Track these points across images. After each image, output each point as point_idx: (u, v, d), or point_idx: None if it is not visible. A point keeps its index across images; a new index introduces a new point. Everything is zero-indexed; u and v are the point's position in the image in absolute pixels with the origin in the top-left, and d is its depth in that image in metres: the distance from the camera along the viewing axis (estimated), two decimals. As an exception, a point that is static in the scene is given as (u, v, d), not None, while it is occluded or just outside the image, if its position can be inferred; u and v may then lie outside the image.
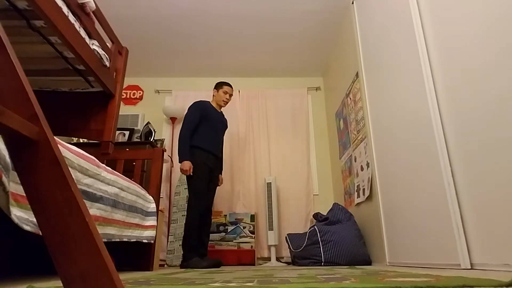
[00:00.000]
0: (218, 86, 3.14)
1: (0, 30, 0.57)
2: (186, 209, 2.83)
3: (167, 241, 3.40)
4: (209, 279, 1.14)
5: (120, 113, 2.45)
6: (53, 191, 0.53)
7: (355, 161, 3.03)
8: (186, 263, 2.60)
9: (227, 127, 3.21)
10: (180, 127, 2.87)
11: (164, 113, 4.00)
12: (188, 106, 2.99)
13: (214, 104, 3.10)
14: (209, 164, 2.88)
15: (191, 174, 2.74)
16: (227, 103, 3.13)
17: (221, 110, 3.16)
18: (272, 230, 3.25)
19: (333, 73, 3.85)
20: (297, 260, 2.85)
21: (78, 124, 1.94)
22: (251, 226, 3.43)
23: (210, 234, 3.35)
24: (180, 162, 2.76)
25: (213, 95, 3.15)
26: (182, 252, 2.69)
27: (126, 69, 2.20)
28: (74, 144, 2.27)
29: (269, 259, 3.39)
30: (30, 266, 1.99)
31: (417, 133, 1.86)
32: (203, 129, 2.91)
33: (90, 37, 1.71)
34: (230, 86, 3.16)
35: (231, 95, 3.15)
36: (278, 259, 3.41)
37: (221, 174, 3.15)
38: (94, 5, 1.70)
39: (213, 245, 3.31)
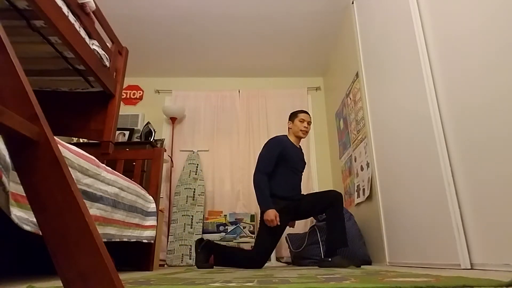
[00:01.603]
0: (293, 116, 2.67)
1: (0, 30, 0.57)
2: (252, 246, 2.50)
3: (167, 241, 3.40)
4: (209, 279, 1.14)
5: (120, 113, 2.45)
6: (53, 191, 0.53)
7: (355, 161, 3.03)
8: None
9: (305, 164, 2.74)
10: (255, 168, 2.48)
11: (164, 113, 4.00)
12: (266, 142, 2.57)
13: (292, 138, 2.64)
14: (287, 212, 2.44)
15: (278, 224, 2.31)
16: (307, 132, 2.64)
17: (299, 146, 2.69)
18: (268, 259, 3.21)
19: (333, 73, 3.85)
20: (297, 260, 2.85)
21: (78, 124, 1.94)
22: (251, 226, 3.43)
23: (210, 234, 3.36)
24: (262, 211, 2.34)
25: (288, 128, 2.69)
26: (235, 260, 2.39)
27: (126, 69, 2.20)
28: (74, 144, 2.27)
29: (269, 259, 3.39)
30: (30, 266, 1.99)
31: (417, 133, 1.86)
32: (283, 170, 2.49)
33: (90, 37, 1.71)
34: (307, 113, 2.67)
35: (309, 123, 2.64)
36: (278, 259, 3.41)
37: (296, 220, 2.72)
38: (94, 5, 1.70)
39: (213, 245, 3.31)
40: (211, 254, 2.45)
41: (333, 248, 2.27)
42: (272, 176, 2.46)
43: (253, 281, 1.04)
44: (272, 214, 2.29)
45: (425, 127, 1.76)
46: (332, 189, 2.55)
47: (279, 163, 2.48)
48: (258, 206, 2.39)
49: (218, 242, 2.62)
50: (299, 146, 2.68)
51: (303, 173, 2.68)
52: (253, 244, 3.32)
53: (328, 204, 2.36)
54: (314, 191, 2.55)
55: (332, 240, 2.29)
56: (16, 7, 1.31)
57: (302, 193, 2.64)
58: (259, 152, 2.55)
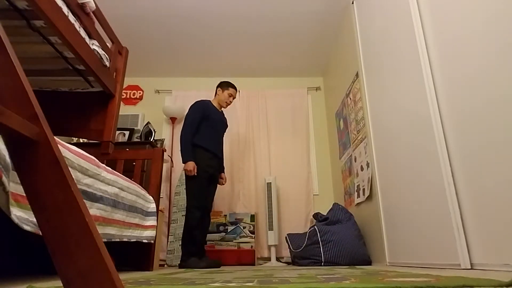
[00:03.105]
0: (224, 86, 3.09)
1: (0, 30, 0.57)
2: (185, 209, 2.81)
3: (167, 241, 3.40)
4: (209, 279, 1.14)
5: (120, 113, 2.45)
6: (53, 191, 0.53)
7: (355, 161, 3.03)
8: (184, 263, 2.61)
9: (227, 127, 3.17)
10: (181, 127, 2.86)
11: (164, 113, 4.00)
12: (190, 106, 2.97)
13: (215, 103, 3.07)
14: (211, 164, 2.86)
15: (195, 174, 2.72)
16: (228, 105, 3.10)
17: (221, 110, 3.13)
18: (272, 230, 3.25)
19: (333, 73, 3.85)
20: (297, 260, 2.85)
21: (78, 124, 1.94)
22: (251, 226, 3.43)
23: (210, 234, 3.36)
24: (183, 162, 2.73)
25: (216, 93, 3.11)
26: (181, 252, 2.71)
27: (126, 69, 2.20)
28: (74, 144, 2.27)
29: (269, 259, 3.39)
30: (30, 266, 1.99)
31: (417, 133, 1.86)
32: (204, 129, 2.88)
33: (90, 37, 1.71)
34: (236, 89, 3.12)
35: (234, 98, 3.13)
36: (278, 259, 3.41)
37: (223, 172, 3.13)
38: (94, 5, 1.70)
39: (213, 245, 3.31)
40: (199, 253, 2.70)
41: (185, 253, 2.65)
42: (198, 133, 2.85)
43: (253, 281, 1.04)
44: (191, 165, 2.70)
45: (425, 127, 1.76)
46: (205, 200, 2.84)
47: (204, 122, 2.88)
48: (181, 158, 2.75)
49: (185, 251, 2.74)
50: (221, 111, 3.11)
51: (224, 135, 3.10)
52: (253, 244, 3.33)
53: (191, 209, 2.75)
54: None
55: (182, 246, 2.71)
56: (16, 7, 1.31)
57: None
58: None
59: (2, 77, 0.56)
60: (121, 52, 2.14)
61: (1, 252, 1.79)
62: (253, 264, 3.26)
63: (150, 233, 2.17)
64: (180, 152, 2.77)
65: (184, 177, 3.66)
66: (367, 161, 2.70)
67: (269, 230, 3.27)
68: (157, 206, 2.35)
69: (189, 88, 4.31)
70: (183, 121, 2.90)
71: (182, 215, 3.46)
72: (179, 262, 2.73)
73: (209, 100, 3.05)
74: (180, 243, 3.31)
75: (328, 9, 3.21)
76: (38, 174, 0.54)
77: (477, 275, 1.03)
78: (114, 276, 0.50)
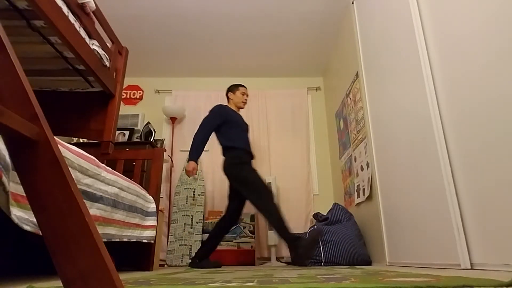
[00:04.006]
0: (234, 88, 3.01)
1: (0, 30, 0.57)
2: (260, 209, 2.48)
3: (167, 241, 3.40)
4: (209, 279, 1.14)
5: (120, 113, 2.46)
6: (53, 191, 0.53)
7: (355, 161, 3.03)
8: (297, 255, 2.35)
9: (248, 127, 3.01)
10: (198, 127, 2.72)
11: (164, 113, 4.00)
12: (211, 109, 2.83)
13: (233, 107, 2.97)
14: (247, 160, 2.74)
15: (195, 175, 2.64)
16: (245, 103, 3.01)
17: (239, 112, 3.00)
18: (272, 230, 3.25)
19: (333, 73, 3.85)
20: (297, 260, 2.85)
21: (78, 124, 1.94)
22: (251, 226, 3.43)
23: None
24: (188, 161, 2.64)
25: (229, 99, 3.01)
26: (288, 245, 2.38)
27: (126, 69, 2.20)
28: (74, 144, 2.27)
29: (269, 259, 3.39)
30: (30, 266, 1.99)
31: (417, 133, 1.86)
32: (231, 130, 2.76)
33: (90, 37, 1.71)
34: (245, 87, 3.06)
35: (247, 96, 3.04)
36: (278, 259, 3.41)
37: None
38: (94, 5, 1.70)
39: (213, 245, 3.31)
40: (207, 256, 2.66)
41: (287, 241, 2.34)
42: (227, 134, 2.75)
43: (253, 281, 1.04)
44: (191, 166, 2.61)
45: (425, 127, 1.76)
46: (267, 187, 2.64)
47: (227, 124, 2.77)
48: (188, 157, 2.66)
49: (200, 248, 2.72)
50: (239, 113, 2.96)
51: (248, 133, 2.93)
52: (253, 244, 3.33)
53: (259, 200, 2.50)
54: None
55: (280, 231, 2.36)
56: (16, 7, 1.31)
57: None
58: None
59: (2, 77, 0.56)
60: (121, 52, 2.14)
61: (1, 252, 1.79)
62: (253, 264, 3.26)
63: (150, 233, 2.17)
64: (189, 151, 2.67)
65: (184, 178, 3.68)
66: (367, 161, 2.70)
67: (269, 230, 3.27)
68: (157, 206, 2.34)
69: (189, 88, 4.31)
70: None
71: (182, 215, 3.47)
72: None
73: (226, 105, 2.95)
74: (182, 243, 3.32)
75: (328, 9, 3.21)
76: (38, 174, 0.54)
77: (477, 275, 1.03)
78: (114, 276, 0.50)
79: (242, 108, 3.00)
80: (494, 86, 1.30)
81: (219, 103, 2.92)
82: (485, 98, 1.35)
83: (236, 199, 2.76)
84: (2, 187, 0.85)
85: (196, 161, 2.65)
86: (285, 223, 2.38)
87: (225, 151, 2.74)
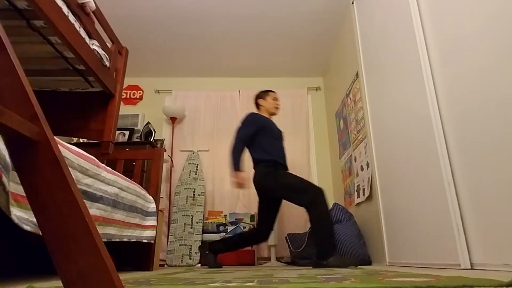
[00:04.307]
0: (264, 94, 2.83)
1: (0, 30, 0.57)
2: (308, 210, 2.29)
3: (167, 241, 3.40)
4: (209, 279, 1.14)
5: (120, 113, 2.46)
6: (53, 191, 0.53)
7: (355, 161, 3.03)
8: (324, 262, 2.14)
9: (283, 134, 2.82)
10: (233, 140, 2.56)
11: (164, 113, 4.00)
12: (243, 118, 2.67)
13: (265, 114, 2.79)
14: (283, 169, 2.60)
15: (244, 188, 2.43)
16: (278, 109, 2.84)
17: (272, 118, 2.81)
18: (272, 230, 3.25)
19: (333, 73, 3.85)
20: (297, 260, 2.85)
21: (78, 124, 1.94)
22: (251, 226, 3.43)
23: (210, 234, 3.36)
24: (233, 171, 2.45)
25: (259, 106, 2.82)
26: (319, 249, 2.20)
27: (126, 69, 2.20)
28: (74, 144, 2.27)
29: (269, 259, 3.39)
30: (30, 266, 1.99)
31: (417, 133, 1.86)
32: (264, 140, 2.59)
33: (90, 37, 1.71)
34: (275, 92, 2.88)
35: (278, 100, 2.86)
36: (278, 259, 3.41)
37: None
38: (94, 5, 1.70)
39: (213, 245, 3.31)
40: (217, 253, 2.59)
41: (329, 250, 2.16)
42: (261, 145, 2.58)
43: (253, 281, 1.04)
44: (242, 176, 2.43)
45: (425, 127, 1.76)
46: (314, 184, 2.45)
47: (262, 133, 2.60)
48: (230, 169, 2.51)
49: (218, 240, 2.68)
50: (272, 120, 2.78)
51: (283, 142, 2.76)
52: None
53: (310, 201, 2.27)
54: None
55: (325, 242, 2.18)
56: (16, 7, 1.31)
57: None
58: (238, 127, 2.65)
59: (2, 77, 0.56)
60: (121, 52, 2.14)
61: (1, 252, 1.79)
62: (253, 264, 3.26)
63: (150, 233, 2.17)
64: (230, 163, 2.51)
65: (184, 178, 3.68)
66: (367, 161, 2.70)
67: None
68: (157, 206, 2.35)
69: (189, 88, 4.31)
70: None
71: (182, 215, 3.47)
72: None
73: (257, 113, 2.77)
74: (181, 243, 3.32)
75: (328, 9, 3.21)
76: (38, 174, 0.54)
77: (477, 275, 1.03)
78: (114, 276, 0.50)
79: (275, 114, 2.82)
80: (494, 86, 1.30)
81: (251, 111, 2.73)
82: (485, 98, 1.35)
83: (267, 211, 2.58)
84: (2, 187, 0.85)
85: (241, 170, 2.46)
86: (332, 237, 2.20)
87: (256, 163, 2.58)
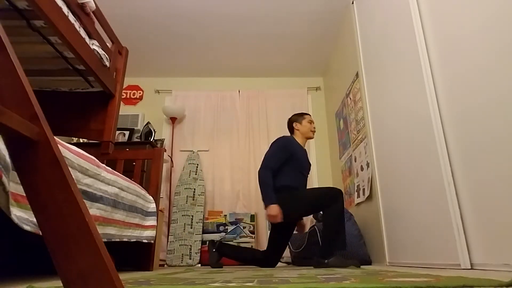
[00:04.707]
0: (299, 118, 2.64)
1: (0, 30, 0.57)
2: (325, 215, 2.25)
3: (167, 241, 3.40)
4: (209, 279, 1.14)
5: (120, 113, 2.45)
6: (53, 191, 0.53)
7: (355, 161, 3.03)
8: (327, 263, 2.13)
9: (310, 166, 2.68)
10: (262, 164, 2.40)
11: (164, 113, 4.00)
12: (274, 141, 2.51)
13: (299, 140, 2.59)
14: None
15: (282, 220, 2.28)
16: (314, 132, 2.65)
17: (305, 147, 2.65)
18: (281, 257, 3.22)
19: (333, 73, 3.85)
20: (297, 260, 2.85)
21: (78, 124, 1.94)
22: (251, 226, 3.43)
23: (210, 234, 3.37)
24: (266, 205, 2.29)
25: (294, 130, 2.63)
26: (323, 249, 2.19)
27: (126, 69, 2.20)
28: (74, 144, 2.27)
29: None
30: (30, 266, 1.99)
31: (417, 133, 1.86)
32: (291, 172, 2.45)
33: (90, 37, 1.71)
34: (310, 114, 2.72)
35: (314, 122, 2.69)
36: (278, 259, 3.40)
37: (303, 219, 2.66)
38: (94, 5, 1.70)
39: (213, 245, 3.31)
40: (223, 256, 2.54)
41: (331, 249, 2.17)
42: (284, 173, 2.43)
43: (253, 281, 1.04)
44: (275, 209, 2.24)
45: (425, 127, 1.76)
46: (332, 186, 2.45)
47: (287, 163, 2.44)
48: (263, 202, 2.33)
49: (230, 243, 2.65)
50: (305, 148, 2.62)
51: (308, 175, 2.62)
52: (253, 244, 3.33)
53: (328, 203, 2.25)
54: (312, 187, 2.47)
55: (330, 242, 2.19)
56: (16, 7, 1.31)
57: None
58: (263, 151, 2.59)
59: (2, 77, 0.56)
60: (121, 52, 2.14)
61: (1, 252, 1.79)
62: (253, 264, 3.25)
63: (150, 233, 2.17)
64: (261, 195, 2.34)
65: (184, 178, 3.68)
66: (367, 161, 2.70)
67: (269, 230, 3.27)
68: (157, 206, 2.34)
69: (189, 88, 4.32)
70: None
71: (182, 215, 3.47)
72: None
73: (293, 137, 2.61)
74: (182, 243, 3.32)
75: (328, 9, 3.21)
76: (38, 174, 0.54)
77: (477, 275, 1.03)
78: (114, 276, 0.50)
79: (311, 138, 2.65)
80: (494, 86, 1.30)
81: (283, 135, 2.57)
82: (485, 98, 1.35)
83: (280, 235, 2.46)
84: (2, 187, 0.85)
85: (276, 202, 2.27)
86: (340, 240, 2.19)
87: (276, 191, 2.37)
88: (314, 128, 2.64)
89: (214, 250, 2.54)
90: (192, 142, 4.03)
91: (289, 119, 2.70)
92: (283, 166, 2.44)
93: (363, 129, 2.78)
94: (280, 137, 2.53)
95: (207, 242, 2.63)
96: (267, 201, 2.29)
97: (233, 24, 3.41)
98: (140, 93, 4.33)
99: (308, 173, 2.61)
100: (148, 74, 4.33)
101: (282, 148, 2.45)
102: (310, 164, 2.64)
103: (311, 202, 2.31)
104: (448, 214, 1.55)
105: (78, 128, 1.93)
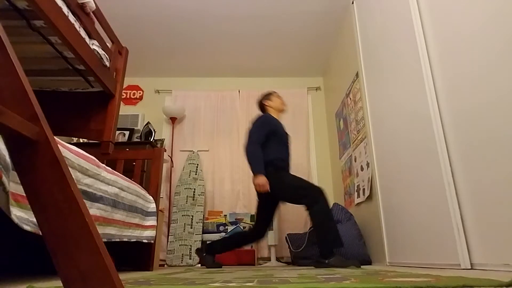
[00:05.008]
0: (268, 96, 2.80)
1: (0, 30, 0.57)
2: (309, 212, 2.30)
3: (167, 241, 3.40)
4: (209, 279, 1.14)
5: (120, 113, 2.45)
6: (53, 191, 0.53)
7: (355, 161, 3.03)
8: (324, 263, 2.16)
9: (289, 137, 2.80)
10: (246, 143, 2.51)
11: (164, 113, 4.00)
12: (255, 120, 2.61)
13: (274, 114, 2.74)
14: (285, 169, 2.59)
15: (269, 190, 2.39)
16: (286, 105, 2.84)
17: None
18: (272, 230, 3.25)
19: (333, 73, 3.85)
20: (297, 260, 2.85)
21: (78, 124, 1.94)
22: (251, 226, 3.43)
23: (210, 234, 3.37)
24: (254, 174, 2.40)
25: (267, 107, 2.76)
26: (321, 250, 2.20)
27: (126, 69, 2.20)
28: (74, 144, 2.27)
29: (269, 259, 3.39)
30: (30, 266, 1.99)
31: (417, 133, 1.86)
32: (273, 145, 2.55)
33: (90, 37, 1.71)
34: (275, 91, 2.88)
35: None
36: (278, 259, 3.41)
37: None
38: (94, 5, 1.70)
39: (213, 245, 3.31)
40: (215, 254, 2.58)
41: (329, 249, 2.17)
42: (266, 149, 2.53)
43: (253, 281, 1.04)
44: (263, 179, 2.37)
45: (425, 126, 1.76)
46: (314, 184, 2.50)
47: (271, 138, 2.57)
48: (252, 171, 2.44)
49: (214, 240, 2.67)
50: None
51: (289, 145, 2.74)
52: (253, 244, 3.33)
53: (311, 200, 2.29)
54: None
55: (322, 241, 2.19)
56: (16, 7, 1.31)
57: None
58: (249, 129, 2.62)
59: (2, 77, 0.56)
60: (121, 52, 2.14)
61: (1, 252, 1.79)
62: (253, 264, 3.26)
63: (150, 233, 2.18)
64: (249, 165, 2.45)
65: (185, 178, 3.68)
66: (367, 161, 2.70)
67: (269, 230, 3.27)
68: (157, 206, 2.35)
69: (189, 88, 4.31)
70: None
71: (182, 215, 3.47)
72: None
73: (270, 114, 2.72)
74: (181, 243, 3.32)
75: (328, 9, 3.21)
76: (38, 174, 0.54)
77: (477, 275, 1.03)
78: (114, 276, 0.50)
79: (284, 111, 2.81)
80: (494, 86, 1.30)
81: (262, 114, 2.70)
82: (485, 98, 1.35)
83: (265, 210, 2.60)
84: (2, 187, 0.85)
85: (264, 173, 2.39)
86: (334, 236, 2.20)
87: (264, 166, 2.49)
88: (285, 103, 2.83)
89: (204, 254, 2.58)
90: (192, 142, 4.03)
91: (259, 100, 2.83)
92: (267, 142, 2.56)
93: (363, 129, 2.78)
94: (260, 116, 2.65)
95: (196, 251, 2.71)
96: (256, 170, 2.40)
97: (233, 24, 3.41)
98: (140, 93, 4.33)
99: (289, 144, 2.72)
100: (148, 74, 4.33)
101: (265, 124, 2.59)
102: (288, 135, 2.74)
103: (293, 191, 2.40)
104: (448, 214, 1.55)
105: (78, 128, 1.93)
